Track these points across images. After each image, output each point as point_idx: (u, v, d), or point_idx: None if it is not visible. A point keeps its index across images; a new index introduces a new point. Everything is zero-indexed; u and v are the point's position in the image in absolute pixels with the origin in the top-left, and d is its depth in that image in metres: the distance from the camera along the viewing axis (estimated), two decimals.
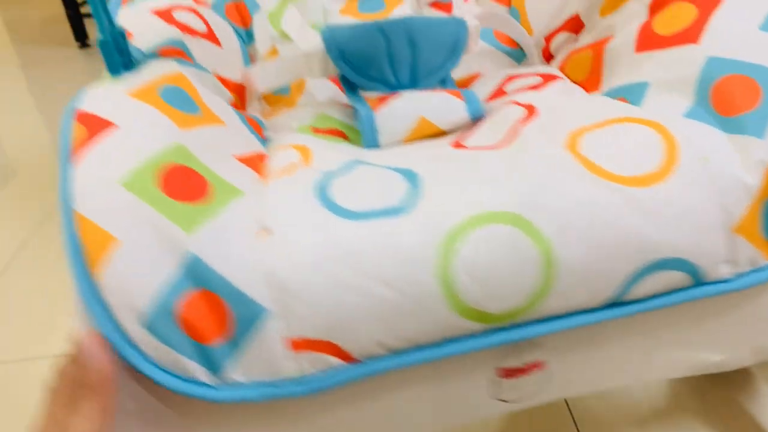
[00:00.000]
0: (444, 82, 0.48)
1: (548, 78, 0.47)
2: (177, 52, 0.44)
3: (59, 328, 0.77)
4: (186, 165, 0.31)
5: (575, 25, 0.53)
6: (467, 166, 0.33)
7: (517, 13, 0.59)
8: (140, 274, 0.28)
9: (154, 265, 0.28)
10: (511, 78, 0.49)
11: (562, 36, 0.55)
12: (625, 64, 0.45)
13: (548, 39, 0.56)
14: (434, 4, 0.62)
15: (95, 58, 1.78)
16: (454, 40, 0.48)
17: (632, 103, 0.42)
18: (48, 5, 2.40)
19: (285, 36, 0.58)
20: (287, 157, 0.36)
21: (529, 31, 0.58)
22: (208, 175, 0.31)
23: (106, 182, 0.29)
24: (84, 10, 1.87)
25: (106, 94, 0.34)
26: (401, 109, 0.41)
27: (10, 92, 1.62)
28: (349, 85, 0.47)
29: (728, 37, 0.39)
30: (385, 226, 0.29)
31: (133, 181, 0.29)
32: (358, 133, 0.43)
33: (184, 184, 0.30)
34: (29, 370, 0.72)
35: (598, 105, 0.40)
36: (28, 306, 0.83)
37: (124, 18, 0.49)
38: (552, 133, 0.36)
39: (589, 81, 0.48)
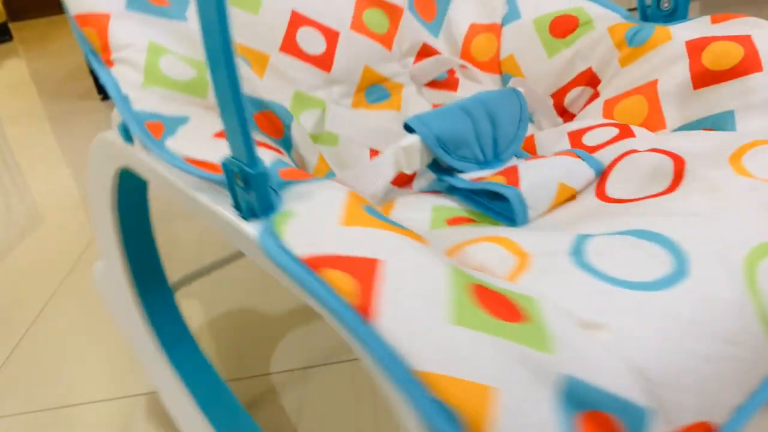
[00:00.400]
0: (517, 152, 0.50)
1: (623, 127, 0.50)
2: (299, 173, 0.40)
3: (98, 372, 0.80)
4: (475, 282, 0.27)
5: (590, 79, 0.57)
6: (679, 210, 0.33)
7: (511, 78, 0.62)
8: (533, 416, 0.24)
9: (538, 402, 0.24)
10: (581, 132, 0.51)
11: (576, 90, 0.58)
12: (690, 101, 0.49)
13: (558, 95, 0.59)
14: (432, 84, 0.64)
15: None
16: (520, 110, 0.50)
17: (723, 129, 0.45)
18: (70, 58, 2.60)
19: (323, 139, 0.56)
20: (492, 250, 0.33)
21: None
22: (493, 287, 0.28)
23: (438, 326, 0.25)
24: None
25: (323, 232, 0.30)
26: (542, 180, 0.41)
27: (39, 144, 1.72)
28: (440, 171, 0.47)
29: None
30: (691, 287, 0.28)
31: (461, 314, 0.25)
32: (485, 216, 0.43)
33: (494, 301, 0.26)
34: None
35: (725, 137, 0.42)
36: (63, 350, 0.86)
37: (185, 148, 0.44)
38: (714, 166, 0.38)
39: (650, 122, 0.51)
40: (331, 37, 0.58)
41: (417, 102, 0.60)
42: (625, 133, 0.48)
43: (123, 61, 0.47)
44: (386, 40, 0.61)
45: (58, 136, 1.76)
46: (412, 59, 0.63)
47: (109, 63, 0.47)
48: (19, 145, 1.73)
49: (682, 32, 0.52)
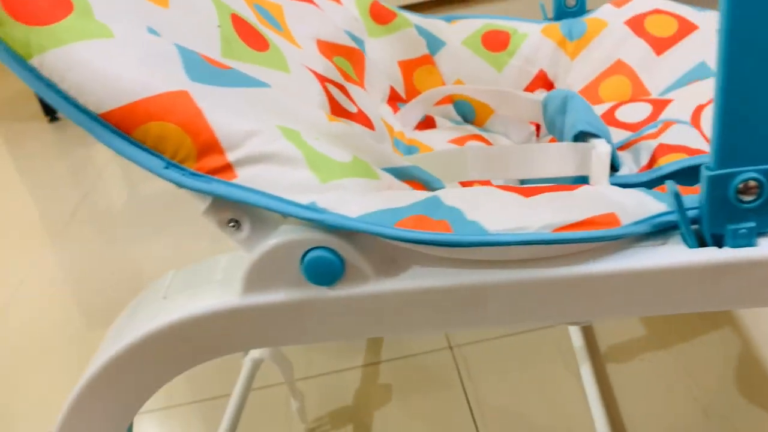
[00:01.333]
0: None
1: (657, 102, 0.53)
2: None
3: None
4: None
5: (545, 79, 0.60)
6: None
7: (469, 106, 0.60)
8: None
9: None
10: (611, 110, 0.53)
11: (538, 91, 0.60)
12: (659, 66, 0.56)
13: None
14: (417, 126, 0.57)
15: (65, 131, 1.86)
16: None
17: (707, 77, 0.54)
18: (14, 82, 2.49)
19: None
20: None
21: (489, 110, 0.61)
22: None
23: None
24: None
25: None
26: None
27: None
28: None
29: None
30: None
31: None
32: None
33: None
34: None
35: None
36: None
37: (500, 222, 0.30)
38: None
39: (637, 94, 0.56)
40: (345, 91, 0.45)
41: (436, 144, 0.51)
42: (658, 105, 0.53)
43: (257, 160, 0.28)
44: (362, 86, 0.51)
45: (6, 158, 1.74)
46: (386, 105, 0.54)
47: (226, 171, 0.27)
48: None
49: (611, 18, 0.59)
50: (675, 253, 0.27)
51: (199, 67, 0.30)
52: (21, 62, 0.26)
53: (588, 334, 0.68)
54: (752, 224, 0.26)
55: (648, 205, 0.29)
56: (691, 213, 0.28)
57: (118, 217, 1.27)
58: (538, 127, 0.59)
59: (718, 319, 0.66)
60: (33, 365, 0.85)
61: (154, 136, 0.27)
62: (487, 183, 0.48)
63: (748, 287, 0.27)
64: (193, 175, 0.27)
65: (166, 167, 0.27)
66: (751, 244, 0.27)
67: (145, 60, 0.27)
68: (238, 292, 0.29)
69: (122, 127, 0.27)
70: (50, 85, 0.26)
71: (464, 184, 0.46)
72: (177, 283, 0.32)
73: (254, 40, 0.38)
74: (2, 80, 2.74)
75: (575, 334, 0.68)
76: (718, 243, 0.27)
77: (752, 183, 0.26)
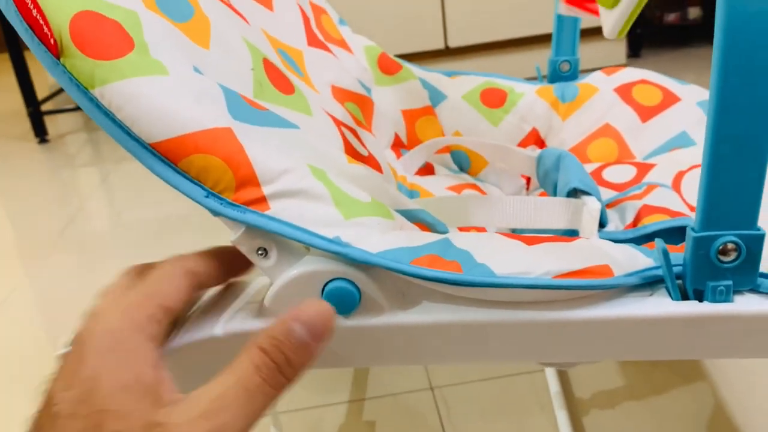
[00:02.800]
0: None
1: (641, 165, 0.57)
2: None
3: None
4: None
5: (536, 137, 0.64)
6: None
7: (465, 156, 0.64)
8: None
9: None
10: (598, 171, 0.57)
11: (530, 148, 0.64)
12: (643, 133, 0.61)
13: None
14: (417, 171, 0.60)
15: (54, 153, 1.89)
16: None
17: (687, 146, 0.58)
18: (7, 99, 2.55)
19: None
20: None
21: (483, 162, 0.64)
22: None
23: None
24: (45, 107, 2.00)
25: None
26: None
27: None
28: None
29: None
30: None
31: None
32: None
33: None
34: None
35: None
36: None
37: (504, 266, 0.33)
38: None
39: (623, 157, 0.60)
40: (357, 135, 0.48)
41: (434, 189, 0.55)
42: (642, 168, 0.57)
43: (289, 195, 0.31)
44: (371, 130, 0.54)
45: None
46: (390, 150, 0.57)
47: (261, 203, 0.30)
48: None
49: (601, 84, 0.64)
50: (660, 305, 0.30)
51: (240, 107, 0.32)
52: (84, 92, 0.29)
53: (564, 381, 0.71)
54: (729, 282, 0.30)
55: (637, 259, 0.33)
56: (675, 269, 0.31)
57: (102, 242, 1.27)
58: (528, 180, 0.63)
59: (690, 374, 0.69)
60: (11, 388, 0.84)
61: (198, 167, 0.29)
62: (481, 230, 0.51)
63: (725, 339, 0.30)
64: (231, 205, 0.30)
65: (207, 196, 0.29)
66: (728, 300, 0.30)
67: (195, 97, 0.30)
68: (260, 317, 0.31)
69: (169, 157, 0.29)
70: (108, 114, 0.29)
71: (462, 229, 0.49)
72: (202, 305, 0.34)
73: (282, 83, 0.41)
74: None
75: (552, 381, 0.70)
76: (699, 297, 0.30)
77: (731, 245, 0.29)
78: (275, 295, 0.31)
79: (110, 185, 1.59)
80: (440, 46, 1.90)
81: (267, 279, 0.31)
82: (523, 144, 0.64)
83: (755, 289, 0.30)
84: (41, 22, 0.28)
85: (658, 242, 0.31)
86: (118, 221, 1.38)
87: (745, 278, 0.30)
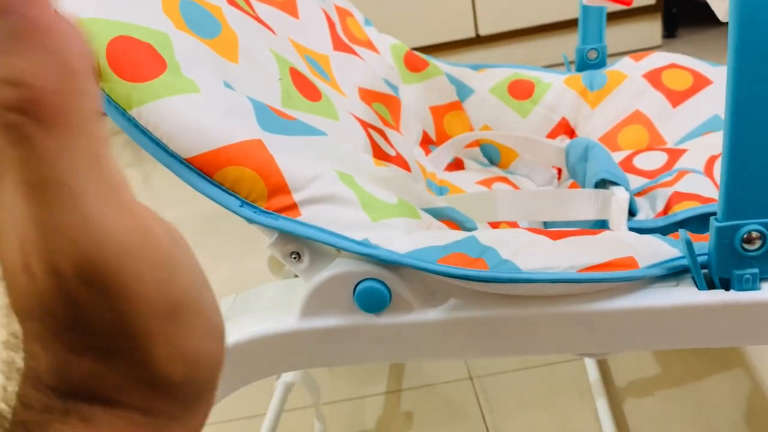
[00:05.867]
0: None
1: (672, 151, 0.57)
2: None
3: None
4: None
5: (566, 127, 0.64)
6: None
7: (495, 149, 0.64)
8: None
9: None
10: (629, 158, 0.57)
11: (558, 140, 0.64)
12: (674, 118, 0.60)
13: None
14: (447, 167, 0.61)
15: None
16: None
17: (719, 129, 0.57)
18: None
19: None
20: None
21: (513, 154, 0.64)
22: None
23: None
24: None
25: None
26: None
27: None
28: None
29: None
30: None
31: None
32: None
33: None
34: None
35: None
36: None
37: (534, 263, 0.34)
38: None
39: (654, 143, 0.60)
40: (384, 135, 0.49)
41: (464, 184, 0.55)
42: (673, 154, 0.56)
43: (319, 201, 0.32)
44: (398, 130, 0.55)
45: None
46: (418, 147, 0.59)
47: (292, 210, 0.31)
48: None
49: (630, 71, 0.63)
50: (686, 294, 0.31)
51: (269, 118, 0.34)
52: (122, 113, 0.30)
53: (604, 369, 0.71)
54: (755, 270, 0.30)
55: (662, 250, 0.33)
56: (701, 258, 0.31)
57: None
58: (559, 171, 0.63)
59: (728, 360, 0.68)
60: None
61: (232, 179, 0.31)
62: (513, 224, 0.51)
63: (752, 326, 0.31)
64: (264, 212, 0.31)
65: (241, 205, 0.31)
66: (754, 288, 0.30)
67: (225, 112, 0.32)
68: (296, 316, 0.33)
69: (205, 170, 0.31)
70: (145, 133, 0.31)
71: (492, 224, 0.49)
72: (237, 306, 0.36)
73: (309, 91, 0.42)
74: None
75: (591, 369, 0.70)
76: (725, 286, 0.31)
77: (755, 234, 0.29)
78: (310, 296, 0.32)
79: (151, 184, 1.64)
80: (471, 34, 1.89)
81: (287, 280, 0.33)
82: (552, 134, 0.65)
83: None
84: None
85: (682, 233, 0.31)
86: None
87: None
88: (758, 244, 0.29)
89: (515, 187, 0.60)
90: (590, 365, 0.71)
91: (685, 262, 0.31)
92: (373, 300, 0.32)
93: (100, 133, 0.16)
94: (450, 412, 0.71)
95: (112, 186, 0.16)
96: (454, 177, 0.58)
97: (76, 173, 0.16)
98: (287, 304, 0.34)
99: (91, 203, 0.16)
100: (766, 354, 0.67)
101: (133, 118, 0.31)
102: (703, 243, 0.32)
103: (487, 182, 0.58)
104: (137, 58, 0.31)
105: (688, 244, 0.30)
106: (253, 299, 0.37)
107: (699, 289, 0.31)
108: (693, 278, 0.31)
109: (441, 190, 0.55)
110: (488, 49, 1.92)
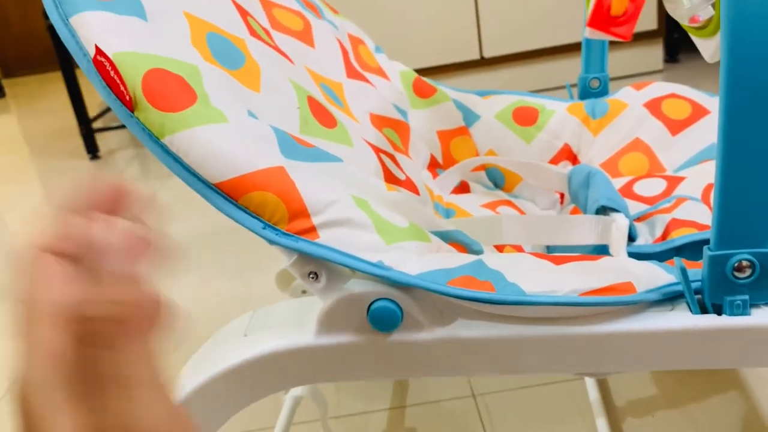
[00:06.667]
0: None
1: (671, 178, 0.59)
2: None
3: None
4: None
5: (569, 153, 0.66)
6: None
7: (500, 173, 0.67)
8: None
9: None
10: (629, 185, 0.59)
11: (560, 165, 0.66)
12: (673, 146, 0.62)
13: None
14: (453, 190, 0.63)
15: (105, 169, 2.00)
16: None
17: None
18: (60, 116, 2.68)
19: None
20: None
21: (518, 178, 0.67)
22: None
23: None
24: (95, 125, 2.09)
25: None
26: None
27: (28, 201, 1.81)
28: None
29: None
30: None
31: None
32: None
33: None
34: None
35: None
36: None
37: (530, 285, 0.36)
38: None
39: (653, 170, 0.62)
40: (395, 160, 0.52)
41: (470, 207, 0.58)
42: (672, 181, 0.59)
43: (336, 224, 0.34)
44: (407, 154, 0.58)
45: (47, 193, 1.85)
46: (426, 171, 0.61)
47: (311, 232, 0.33)
48: (7, 201, 1.85)
49: (631, 100, 0.66)
50: (680, 319, 0.32)
51: (290, 146, 0.36)
52: (155, 140, 0.33)
53: (603, 388, 0.73)
54: (746, 297, 0.32)
55: (659, 276, 0.35)
56: (695, 284, 0.33)
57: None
58: (562, 195, 0.65)
59: (725, 382, 0.70)
60: None
61: (256, 203, 0.33)
62: (518, 248, 0.53)
63: (743, 350, 0.32)
64: (285, 234, 0.33)
65: (264, 228, 0.33)
66: (745, 314, 0.32)
67: (251, 140, 0.34)
68: (312, 333, 0.35)
69: (231, 195, 0.33)
70: (177, 159, 0.33)
71: (498, 247, 0.51)
72: (255, 323, 0.38)
73: (325, 118, 0.44)
74: (44, 118, 2.93)
75: (592, 389, 0.72)
76: (718, 311, 0.33)
77: (745, 263, 0.31)
78: (326, 314, 0.34)
79: (158, 199, 1.66)
80: (475, 56, 1.92)
81: (300, 299, 0.35)
82: (555, 160, 0.67)
83: None
84: (118, 81, 0.33)
85: (677, 260, 0.33)
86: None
87: (761, 293, 0.32)
88: (748, 272, 0.31)
89: (519, 210, 0.62)
90: (590, 385, 0.73)
91: (680, 287, 0.33)
92: (385, 319, 0.34)
93: (154, 345, 0.22)
94: (452, 429, 0.73)
95: (161, 384, 0.22)
96: (461, 200, 0.60)
97: (140, 372, 0.21)
98: (303, 322, 0.36)
99: (146, 396, 0.21)
100: (762, 376, 0.69)
101: (166, 146, 0.33)
102: (698, 270, 0.34)
103: (492, 205, 0.60)
104: (170, 90, 0.33)
105: (683, 271, 0.32)
106: (271, 316, 0.39)
107: (693, 313, 0.33)
108: (687, 303, 0.33)
109: (448, 213, 0.57)
110: (492, 71, 1.95)
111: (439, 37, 1.88)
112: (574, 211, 0.60)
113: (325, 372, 0.35)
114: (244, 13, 0.46)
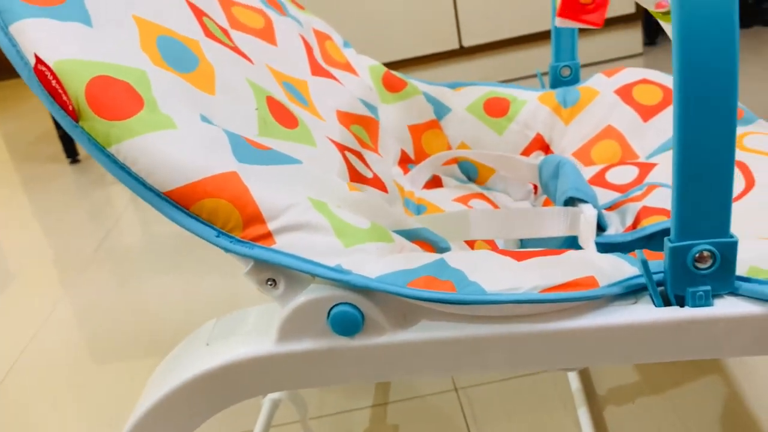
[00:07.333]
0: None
1: (643, 165, 0.59)
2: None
3: None
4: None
5: (541, 143, 0.66)
6: None
7: (473, 166, 0.66)
8: None
9: None
10: (602, 172, 0.58)
11: (533, 155, 0.66)
12: (646, 131, 0.62)
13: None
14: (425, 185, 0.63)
15: (85, 173, 1.98)
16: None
17: None
18: (40, 121, 2.66)
19: None
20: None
21: (491, 170, 0.66)
22: None
23: None
24: None
25: None
26: None
27: (11, 206, 1.82)
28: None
29: None
30: None
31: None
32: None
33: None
34: None
35: None
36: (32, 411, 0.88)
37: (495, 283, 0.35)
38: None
39: (626, 157, 0.62)
40: (362, 157, 0.51)
41: (442, 202, 0.57)
42: (644, 168, 0.58)
43: (293, 229, 0.33)
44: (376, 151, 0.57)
45: (29, 197, 1.85)
46: (397, 167, 0.60)
47: (267, 238, 0.33)
48: None
49: (602, 87, 0.65)
50: (644, 312, 0.32)
51: (244, 149, 0.35)
52: (101, 150, 0.32)
53: (585, 377, 0.72)
54: (708, 287, 0.31)
55: (623, 268, 0.34)
56: (657, 276, 0.33)
57: (136, 257, 1.33)
58: (535, 186, 0.65)
59: (709, 368, 0.70)
60: (56, 400, 0.89)
61: (208, 210, 0.32)
62: (491, 242, 0.53)
63: (707, 340, 0.32)
64: (239, 242, 0.33)
65: (218, 236, 0.32)
66: (707, 304, 0.32)
67: (201, 146, 0.33)
68: (273, 341, 0.34)
69: (182, 203, 0.32)
70: (124, 169, 0.32)
71: (469, 242, 0.51)
72: (218, 331, 0.37)
73: (286, 118, 0.44)
74: (25, 123, 2.89)
75: (573, 379, 0.72)
76: (681, 303, 0.32)
77: (706, 253, 0.31)
78: (285, 321, 0.33)
79: (140, 202, 1.65)
80: (455, 46, 1.91)
81: (270, 304, 0.34)
82: (528, 150, 0.66)
83: (734, 292, 0.32)
84: (60, 90, 0.32)
85: (638, 253, 0.32)
86: (149, 236, 1.44)
87: (723, 283, 0.31)
88: (709, 262, 0.31)
89: (492, 203, 0.61)
90: (572, 375, 0.73)
91: (643, 280, 0.33)
92: (346, 324, 0.33)
93: None
94: (436, 424, 0.73)
95: None
96: (432, 195, 0.59)
97: None
98: (266, 329, 0.35)
99: None
100: (747, 361, 0.69)
101: (112, 155, 0.32)
102: (660, 261, 0.33)
103: (464, 199, 0.60)
104: (115, 97, 0.32)
105: (644, 264, 0.32)
106: (236, 323, 0.38)
107: (656, 306, 0.32)
108: (650, 296, 0.33)
109: (419, 209, 0.56)
110: (473, 60, 1.94)
111: (416, 28, 1.87)
112: (547, 202, 0.59)
113: (289, 379, 0.34)
114: (199, 14, 0.45)
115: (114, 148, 0.32)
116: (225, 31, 0.48)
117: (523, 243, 0.55)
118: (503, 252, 0.36)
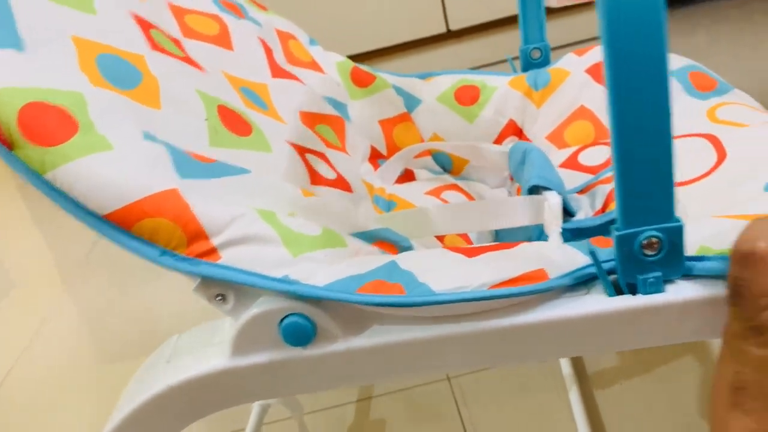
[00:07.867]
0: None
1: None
2: None
3: None
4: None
5: (514, 128, 0.65)
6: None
7: (447, 157, 0.65)
8: None
9: None
10: (575, 155, 0.57)
11: (507, 141, 0.65)
12: None
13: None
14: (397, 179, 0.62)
15: None
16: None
17: None
18: None
19: None
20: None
21: (465, 160, 0.65)
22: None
23: None
24: None
25: None
26: None
27: (10, 212, 1.81)
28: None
29: None
30: None
31: None
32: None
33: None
34: None
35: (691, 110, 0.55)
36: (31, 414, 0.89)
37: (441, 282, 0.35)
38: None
39: (600, 137, 0.61)
40: (325, 158, 0.51)
41: (413, 197, 0.57)
42: None
43: (238, 242, 0.33)
44: (344, 150, 0.56)
45: (29, 203, 1.82)
46: (366, 164, 0.60)
47: (212, 254, 0.33)
48: None
49: (573, 67, 0.64)
50: (596, 302, 0.32)
51: (187, 165, 0.35)
52: (37, 177, 0.32)
53: (576, 360, 0.72)
54: (659, 274, 0.31)
55: (576, 259, 0.34)
56: (609, 265, 0.32)
57: (133, 261, 1.34)
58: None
59: (698, 346, 0.69)
60: (54, 404, 0.90)
61: (149, 230, 0.32)
62: (464, 236, 0.52)
63: (662, 326, 0.32)
64: (184, 259, 0.32)
65: (161, 255, 0.32)
66: (659, 291, 0.31)
67: (140, 165, 0.33)
68: (227, 356, 0.34)
69: (123, 225, 0.32)
70: (62, 194, 0.32)
71: (439, 237, 0.50)
72: (180, 346, 0.37)
73: (238, 126, 0.43)
74: None
75: (564, 362, 0.71)
76: (633, 291, 0.32)
77: (654, 239, 0.30)
78: (237, 335, 0.33)
79: None
80: (442, 30, 1.89)
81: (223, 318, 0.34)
82: (501, 136, 0.65)
83: (687, 275, 0.32)
84: None
85: (586, 242, 0.32)
86: None
87: (672, 268, 0.31)
88: (657, 248, 0.30)
89: (466, 193, 0.61)
90: (563, 359, 0.73)
91: (594, 270, 0.32)
92: (297, 334, 0.33)
93: None
94: (429, 413, 0.73)
95: None
96: (404, 190, 0.59)
97: None
98: (222, 344, 0.35)
99: None
100: None
101: (49, 182, 0.32)
102: (611, 249, 0.33)
103: (436, 192, 0.59)
104: (48, 123, 0.32)
105: (593, 254, 0.31)
106: (196, 338, 0.38)
107: (608, 295, 0.32)
108: (603, 285, 0.32)
109: (389, 205, 0.56)
110: (461, 43, 1.92)
111: (402, 13, 1.85)
112: (519, 190, 0.58)
113: (247, 393, 0.34)
114: (146, 27, 0.45)
115: (50, 175, 0.32)
116: (177, 42, 0.48)
117: (497, 233, 0.54)
118: (455, 249, 0.36)
